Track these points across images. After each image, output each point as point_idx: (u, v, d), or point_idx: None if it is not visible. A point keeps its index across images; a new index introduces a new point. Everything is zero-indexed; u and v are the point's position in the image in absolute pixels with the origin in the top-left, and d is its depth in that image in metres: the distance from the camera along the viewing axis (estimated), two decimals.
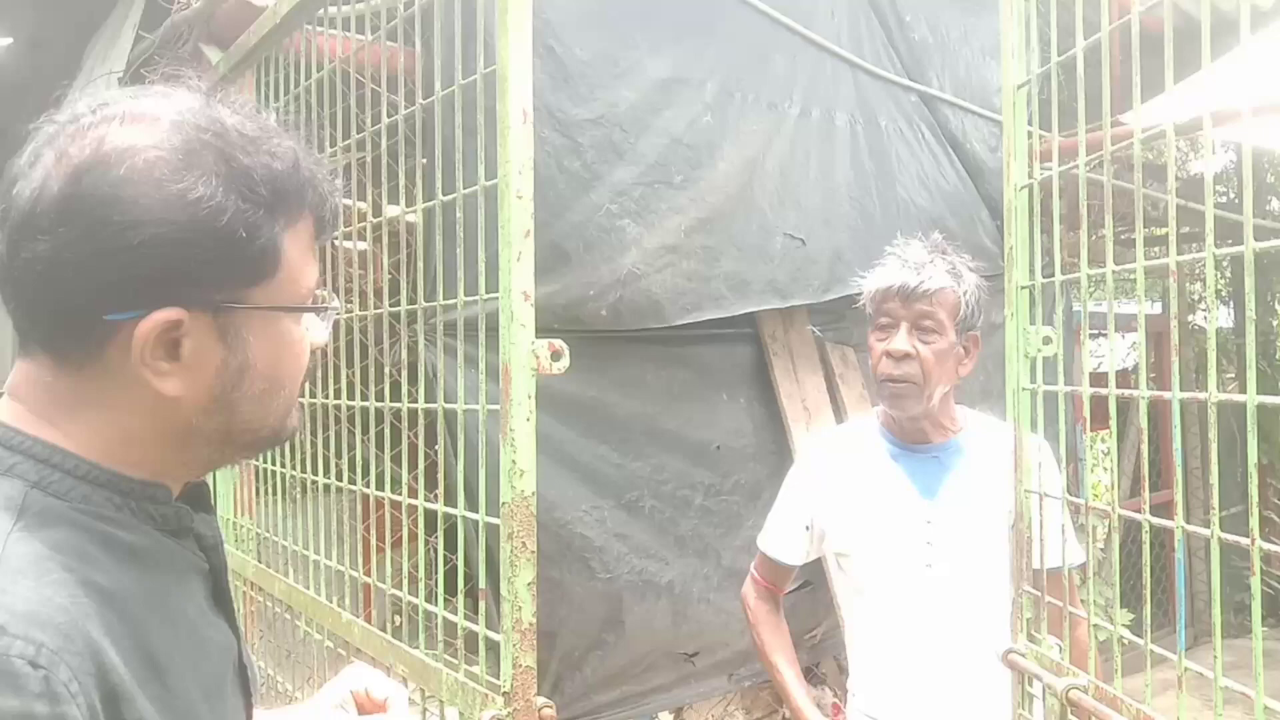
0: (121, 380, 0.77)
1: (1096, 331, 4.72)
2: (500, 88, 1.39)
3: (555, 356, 1.40)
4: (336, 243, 2.35)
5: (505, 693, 1.38)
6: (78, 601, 0.70)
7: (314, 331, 0.88)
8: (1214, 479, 1.12)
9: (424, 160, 1.68)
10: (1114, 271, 1.38)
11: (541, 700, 1.40)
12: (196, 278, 0.76)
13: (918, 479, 2.03)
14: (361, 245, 2.80)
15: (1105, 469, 5.84)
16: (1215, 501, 1.22)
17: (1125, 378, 5.08)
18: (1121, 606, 4.15)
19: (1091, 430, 4.19)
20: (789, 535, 2.17)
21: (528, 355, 1.37)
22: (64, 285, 0.74)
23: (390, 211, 1.84)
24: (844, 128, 3.46)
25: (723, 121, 3.14)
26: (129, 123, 0.76)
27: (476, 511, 1.51)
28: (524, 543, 1.38)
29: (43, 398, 0.78)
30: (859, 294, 2.09)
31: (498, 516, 1.41)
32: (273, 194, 0.78)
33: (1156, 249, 5.26)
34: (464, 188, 1.52)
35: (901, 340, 1.93)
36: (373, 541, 2.08)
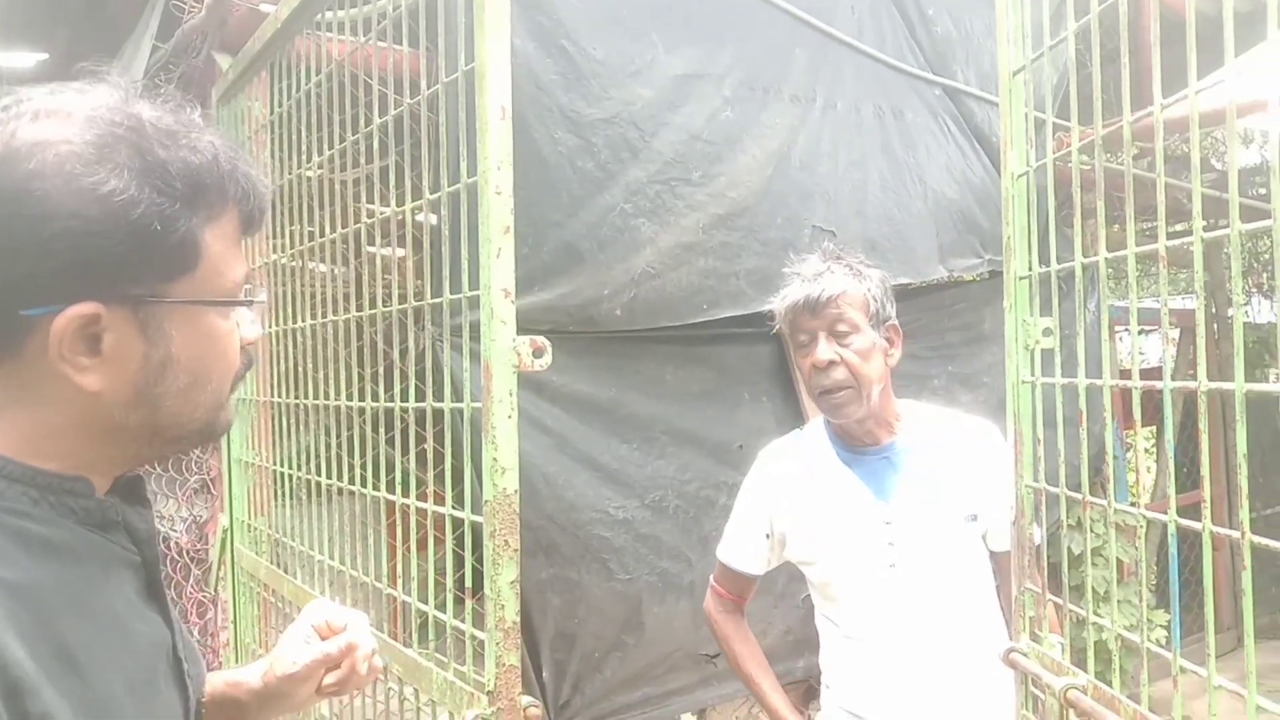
0: (41, 375, 0.77)
1: (1126, 328, 4.61)
2: (479, 84, 1.38)
3: (537, 353, 1.39)
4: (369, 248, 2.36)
5: (489, 691, 1.37)
6: None
7: (245, 326, 0.87)
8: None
9: (404, 159, 1.68)
10: (1107, 260, 1.34)
11: (527, 700, 1.39)
12: (112, 272, 0.75)
13: (871, 481, 2.03)
14: (372, 249, 2.82)
15: (1148, 469, 5.72)
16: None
17: (1158, 374, 4.98)
18: (1157, 607, 4.06)
19: (1126, 429, 4.09)
20: (750, 545, 2.17)
21: (508, 352, 1.37)
22: None
23: (382, 210, 1.85)
24: (871, 119, 3.41)
25: (743, 116, 3.11)
26: (42, 118, 0.76)
27: (475, 511, 1.50)
28: (506, 541, 1.37)
29: None
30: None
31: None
32: (190, 188, 0.78)
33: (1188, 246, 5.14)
34: (450, 185, 1.52)
35: (823, 350, 1.95)
36: (370, 542, 2.09)
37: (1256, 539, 1.09)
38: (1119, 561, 4.10)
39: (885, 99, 3.46)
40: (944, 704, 1.96)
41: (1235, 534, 1.11)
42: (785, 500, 2.10)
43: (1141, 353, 5.45)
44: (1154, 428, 5.13)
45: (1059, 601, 1.51)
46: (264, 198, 0.87)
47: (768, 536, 2.14)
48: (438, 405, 1.59)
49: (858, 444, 2.05)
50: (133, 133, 0.77)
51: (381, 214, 1.79)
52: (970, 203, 3.64)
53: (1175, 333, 5.09)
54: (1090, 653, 1.38)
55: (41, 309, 0.74)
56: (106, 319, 0.76)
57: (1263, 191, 5.36)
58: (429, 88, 1.59)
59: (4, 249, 0.73)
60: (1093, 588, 1.51)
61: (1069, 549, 3.65)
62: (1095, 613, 1.41)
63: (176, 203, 0.77)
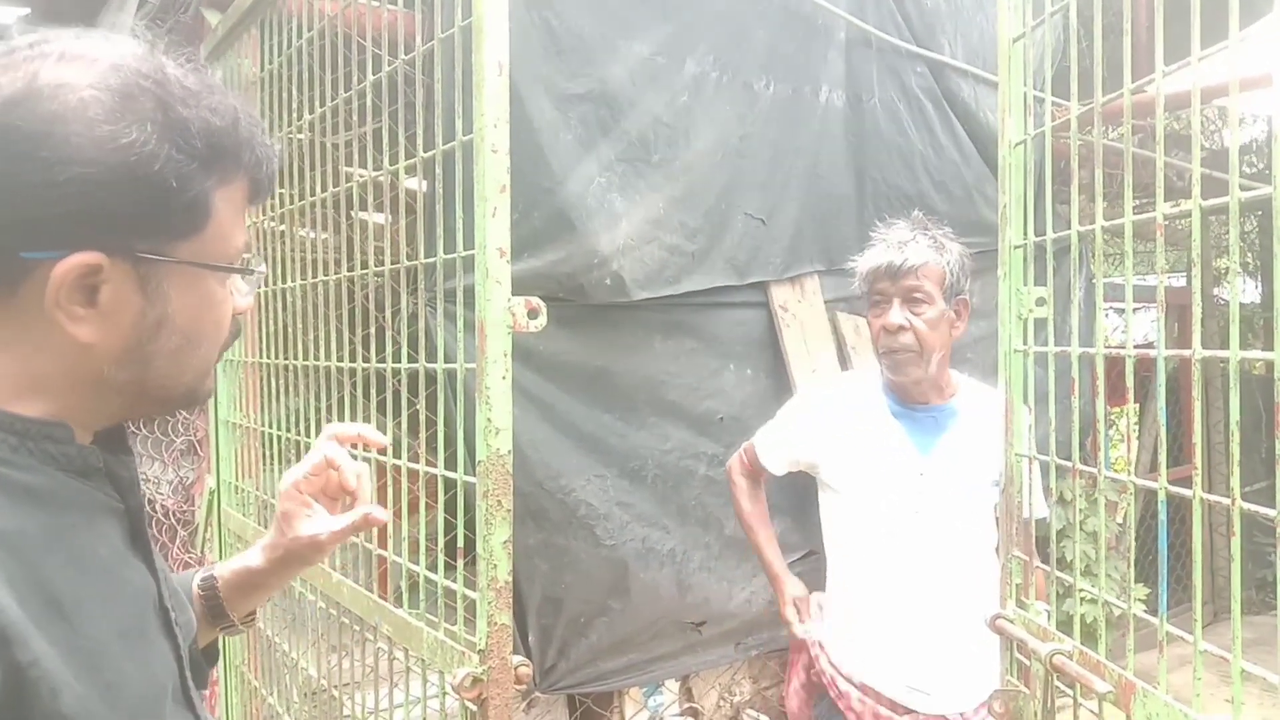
0: (34, 322, 0.76)
1: (1113, 305, 4.62)
2: (476, 40, 1.37)
3: (532, 314, 1.38)
4: (353, 214, 2.35)
5: (480, 650, 1.37)
6: None
7: (239, 296, 0.88)
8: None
9: (396, 120, 1.66)
10: (1104, 227, 1.34)
11: (518, 659, 1.40)
12: (121, 223, 0.75)
13: (915, 435, 2.18)
14: (364, 215, 2.80)
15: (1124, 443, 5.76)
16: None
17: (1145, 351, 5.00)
18: (1138, 581, 4.11)
19: (1110, 405, 4.11)
20: (779, 450, 2.37)
21: (503, 312, 1.36)
22: None
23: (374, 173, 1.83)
24: (824, 105, 3.38)
25: (698, 103, 3.11)
26: (67, 60, 0.75)
27: (469, 473, 1.50)
28: (499, 501, 1.37)
29: None
30: (827, 270, 2.27)
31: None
32: (208, 149, 0.78)
33: (1181, 223, 5.16)
34: (444, 144, 1.50)
35: (895, 314, 2.09)
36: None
37: (1246, 505, 1.10)
38: (1100, 536, 4.14)
39: (850, 80, 3.43)
40: (943, 650, 2.11)
41: (1226, 500, 1.12)
42: (825, 434, 2.26)
43: (1122, 331, 5.48)
44: (1135, 406, 5.16)
45: (1046, 569, 1.53)
46: (274, 167, 0.87)
47: (795, 458, 2.33)
48: (430, 366, 1.58)
49: (910, 401, 2.20)
50: (158, 86, 0.76)
51: (374, 176, 1.77)
52: (927, 188, 3.59)
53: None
54: (1077, 624, 1.39)
55: (44, 253, 0.73)
56: (108, 271, 0.75)
57: (1251, 171, 5.39)
58: (423, 44, 1.57)
59: (15, 188, 0.72)
60: (1075, 561, 1.53)
61: (1050, 525, 3.67)
62: (1079, 585, 1.43)
63: (194, 162, 0.77)
